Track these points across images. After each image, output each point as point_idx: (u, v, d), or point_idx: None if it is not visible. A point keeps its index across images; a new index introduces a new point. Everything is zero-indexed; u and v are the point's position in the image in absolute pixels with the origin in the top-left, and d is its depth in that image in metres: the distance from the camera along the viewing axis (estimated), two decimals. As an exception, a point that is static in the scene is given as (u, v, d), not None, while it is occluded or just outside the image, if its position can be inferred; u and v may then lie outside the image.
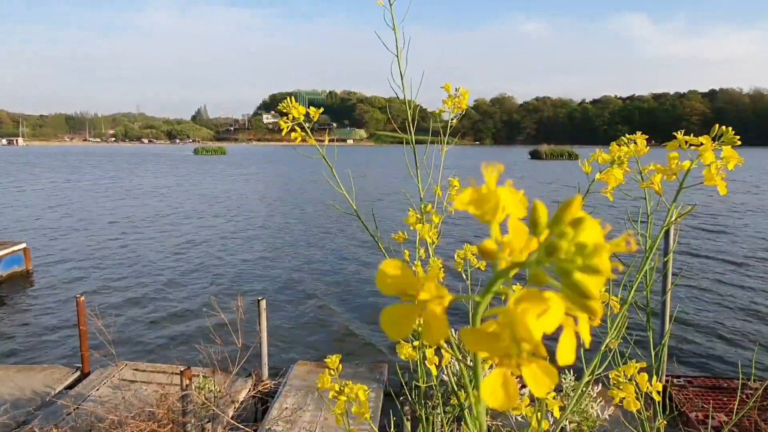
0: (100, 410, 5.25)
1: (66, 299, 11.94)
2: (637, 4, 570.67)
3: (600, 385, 5.37)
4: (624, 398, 1.50)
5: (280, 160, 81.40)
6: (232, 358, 5.99)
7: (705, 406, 5.74)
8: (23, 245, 14.03)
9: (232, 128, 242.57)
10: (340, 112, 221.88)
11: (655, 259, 1.55)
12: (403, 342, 1.60)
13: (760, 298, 12.14)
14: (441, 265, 1.70)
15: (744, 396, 5.59)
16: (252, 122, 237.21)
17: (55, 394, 6.81)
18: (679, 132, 1.29)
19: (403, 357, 1.63)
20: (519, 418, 4.88)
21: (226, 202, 29.96)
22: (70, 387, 7.12)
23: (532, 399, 1.52)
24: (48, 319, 10.91)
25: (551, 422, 1.56)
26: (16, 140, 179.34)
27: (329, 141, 2.00)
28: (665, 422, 1.71)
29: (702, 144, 1.23)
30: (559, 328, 0.40)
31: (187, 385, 5.46)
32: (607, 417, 5.09)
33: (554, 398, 1.53)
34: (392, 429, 4.42)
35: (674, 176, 1.30)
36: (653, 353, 1.64)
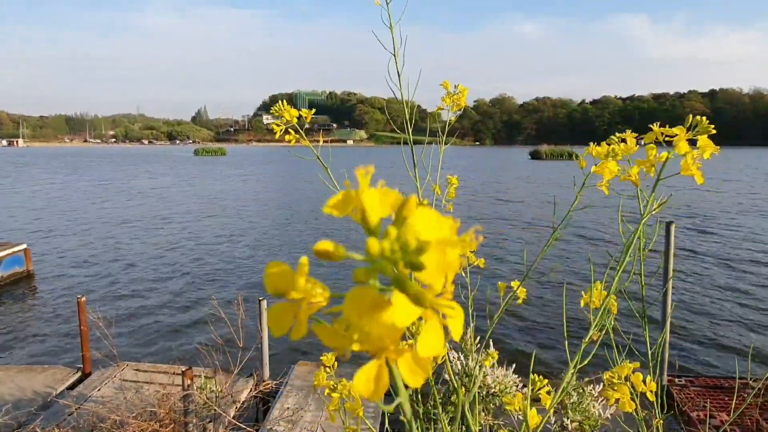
0: (102, 410, 5.25)
1: (67, 300, 11.95)
2: (637, 4, 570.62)
3: (601, 384, 5.37)
4: (619, 399, 1.51)
5: (279, 161, 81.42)
6: (234, 358, 6.01)
7: (706, 405, 5.75)
8: (24, 246, 14.04)
9: (232, 129, 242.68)
10: (340, 112, 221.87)
11: (647, 249, 1.55)
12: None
13: (761, 298, 12.14)
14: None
15: (745, 395, 5.59)
16: (252, 123, 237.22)
17: (56, 395, 6.82)
18: (655, 125, 1.31)
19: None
20: (520, 417, 4.89)
21: (226, 202, 29.97)
22: (72, 387, 7.13)
23: (535, 399, 1.53)
24: (49, 320, 10.92)
25: (552, 421, 1.56)
26: (16, 141, 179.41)
27: (327, 141, 2.01)
28: (662, 421, 1.71)
29: (677, 135, 1.25)
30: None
31: (188, 385, 5.47)
32: (608, 416, 5.10)
33: (548, 393, 1.54)
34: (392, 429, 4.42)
35: (653, 168, 1.32)
36: (649, 352, 1.64)
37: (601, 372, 1.68)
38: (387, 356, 0.41)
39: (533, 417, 1.46)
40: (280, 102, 1.82)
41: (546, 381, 1.58)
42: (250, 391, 6.76)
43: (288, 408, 6.15)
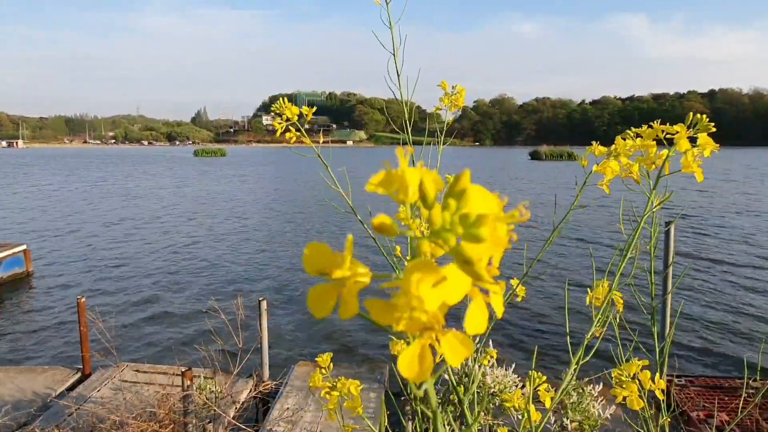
0: (102, 411, 5.25)
1: (66, 300, 11.95)
2: (635, 3, 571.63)
3: (601, 384, 5.37)
4: (627, 397, 1.50)
5: (279, 162, 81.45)
6: (233, 359, 6.01)
7: (706, 405, 5.75)
8: (23, 247, 14.04)
9: (231, 130, 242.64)
10: (340, 113, 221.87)
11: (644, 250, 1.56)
12: (395, 339, 1.60)
13: (761, 298, 12.14)
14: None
15: (745, 395, 5.59)
16: (252, 124, 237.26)
17: (56, 396, 6.82)
18: (655, 123, 1.31)
19: (395, 353, 1.63)
20: (519, 417, 4.89)
21: (225, 203, 29.98)
22: (71, 388, 7.13)
23: (535, 398, 1.53)
24: (49, 321, 10.91)
25: (552, 421, 1.56)
26: (16, 142, 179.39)
27: (326, 142, 2.01)
28: (669, 420, 1.71)
29: (677, 132, 1.25)
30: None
31: (188, 386, 5.47)
32: (608, 416, 5.10)
33: (546, 390, 1.54)
34: (392, 428, 4.43)
35: (653, 166, 1.32)
36: (657, 349, 1.64)
37: (600, 372, 1.68)
38: (431, 336, 0.41)
39: (533, 414, 1.46)
40: (280, 99, 1.82)
41: (544, 378, 1.58)
42: (250, 391, 6.76)
43: (288, 408, 6.15)
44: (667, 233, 5.36)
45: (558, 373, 5.68)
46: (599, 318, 1.54)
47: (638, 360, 1.55)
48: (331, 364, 1.68)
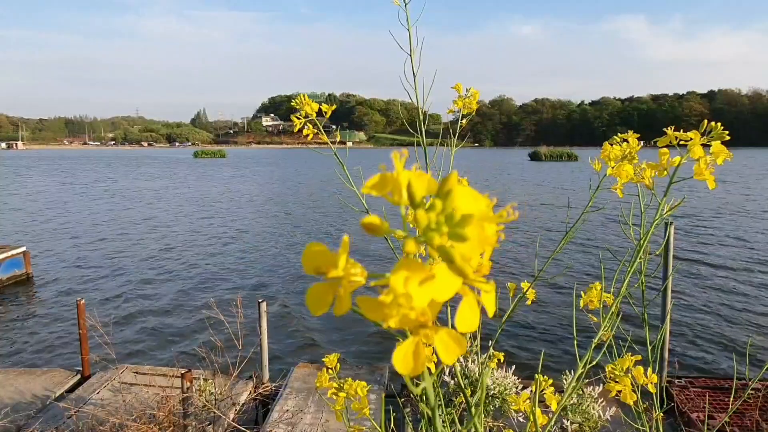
0: (101, 413, 5.24)
1: (66, 302, 11.94)
2: (635, 5, 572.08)
3: (601, 386, 5.37)
4: (620, 391, 1.51)
5: (278, 163, 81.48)
6: (233, 360, 6.00)
7: (706, 406, 5.75)
8: (23, 249, 14.03)
9: (231, 131, 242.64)
10: (340, 114, 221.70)
11: (652, 254, 1.55)
12: (401, 339, 1.60)
13: (761, 298, 12.14)
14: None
15: (745, 395, 5.59)
16: (251, 125, 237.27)
17: (55, 398, 6.81)
18: (669, 129, 1.31)
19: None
20: (521, 419, 4.88)
21: (225, 204, 29.97)
22: (71, 390, 7.12)
23: (540, 399, 1.53)
24: (48, 323, 10.90)
25: (552, 423, 1.56)
26: (16, 144, 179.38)
27: (331, 142, 2.02)
28: (662, 414, 1.71)
29: (691, 139, 1.25)
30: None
31: (188, 388, 5.46)
32: (608, 418, 5.09)
33: (553, 393, 1.53)
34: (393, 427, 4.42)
35: (665, 172, 1.33)
36: (649, 348, 1.64)
37: (600, 373, 1.68)
38: (424, 333, 0.43)
39: (539, 417, 1.45)
40: (301, 95, 1.84)
41: (550, 381, 1.58)
42: (250, 393, 6.75)
43: (288, 410, 6.14)
44: (667, 233, 5.36)
45: (558, 376, 5.66)
46: (607, 322, 1.53)
47: (630, 355, 1.56)
48: (338, 365, 1.68)
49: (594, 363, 1.52)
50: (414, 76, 1.85)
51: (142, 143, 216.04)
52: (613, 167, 1.43)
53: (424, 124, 1.86)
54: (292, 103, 1.83)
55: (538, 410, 1.45)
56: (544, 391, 1.57)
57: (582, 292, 1.69)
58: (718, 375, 7.81)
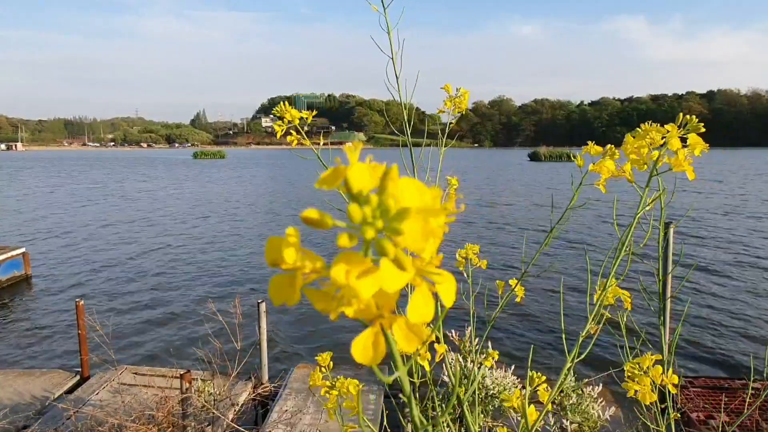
0: (100, 414, 5.24)
1: (65, 303, 11.93)
2: (635, 5, 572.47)
3: (601, 385, 5.37)
4: (637, 391, 1.49)
5: (278, 164, 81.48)
6: (232, 361, 5.99)
7: (706, 406, 5.74)
8: (22, 250, 14.03)
9: (230, 132, 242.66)
10: (339, 115, 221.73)
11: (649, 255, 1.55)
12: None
13: (760, 298, 12.14)
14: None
15: (745, 395, 5.59)
16: (251, 126, 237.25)
17: (54, 399, 6.80)
18: (645, 124, 1.33)
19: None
20: (519, 418, 4.88)
21: (224, 205, 29.96)
22: (70, 391, 7.11)
23: (535, 401, 1.53)
24: (47, 324, 10.89)
25: (552, 423, 1.56)
26: (15, 145, 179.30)
27: (326, 144, 2.02)
28: (673, 419, 1.70)
29: (668, 131, 1.27)
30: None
31: (187, 389, 5.46)
32: (608, 418, 5.09)
33: (546, 389, 1.53)
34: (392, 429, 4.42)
35: (645, 166, 1.34)
36: (665, 346, 1.64)
37: (600, 374, 1.68)
38: (382, 323, 0.43)
39: (531, 413, 1.45)
40: (281, 103, 1.83)
41: (544, 378, 1.58)
42: (249, 393, 6.75)
43: (287, 411, 6.14)
44: (666, 233, 5.36)
45: (559, 372, 5.68)
46: (595, 314, 1.54)
47: (651, 354, 1.55)
48: (331, 363, 1.68)
49: (583, 356, 1.52)
50: (397, 78, 1.87)
51: (142, 144, 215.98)
52: (595, 164, 1.45)
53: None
54: (273, 111, 1.83)
55: (531, 408, 1.44)
56: (538, 389, 1.57)
57: (596, 287, 1.67)
58: (718, 375, 7.81)
